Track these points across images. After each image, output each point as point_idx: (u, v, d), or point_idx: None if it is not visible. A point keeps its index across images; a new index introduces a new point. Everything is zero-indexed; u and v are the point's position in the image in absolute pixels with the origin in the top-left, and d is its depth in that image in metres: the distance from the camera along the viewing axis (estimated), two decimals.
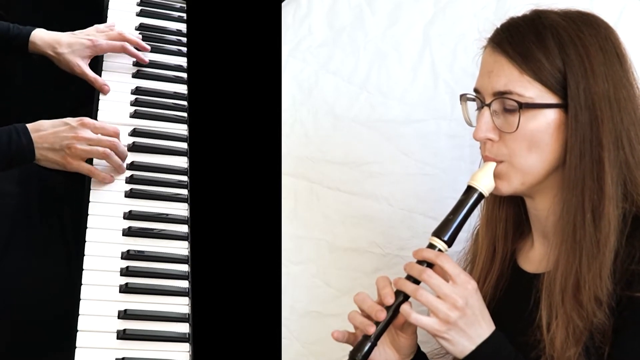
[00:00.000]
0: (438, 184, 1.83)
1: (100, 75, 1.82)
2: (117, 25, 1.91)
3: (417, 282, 1.32)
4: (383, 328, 1.33)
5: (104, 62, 1.86)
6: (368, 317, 1.35)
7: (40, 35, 1.82)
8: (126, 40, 1.87)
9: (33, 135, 1.59)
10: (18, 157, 1.58)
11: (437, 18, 1.87)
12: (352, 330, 1.39)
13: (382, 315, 1.33)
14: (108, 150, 1.62)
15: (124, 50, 1.86)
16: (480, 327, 1.30)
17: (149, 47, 1.90)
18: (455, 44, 1.84)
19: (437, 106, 1.85)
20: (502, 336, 1.32)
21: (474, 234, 1.56)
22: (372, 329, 1.33)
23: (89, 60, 1.85)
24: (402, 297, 1.33)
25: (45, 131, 1.60)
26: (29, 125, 1.60)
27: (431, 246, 1.35)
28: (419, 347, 1.44)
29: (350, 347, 1.38)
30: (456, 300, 1.28)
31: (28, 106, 1.63)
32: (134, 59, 1.87)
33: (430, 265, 1.33)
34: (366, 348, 1.33)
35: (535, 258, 1.45)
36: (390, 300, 1.33)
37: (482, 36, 1.40)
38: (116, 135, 1.65)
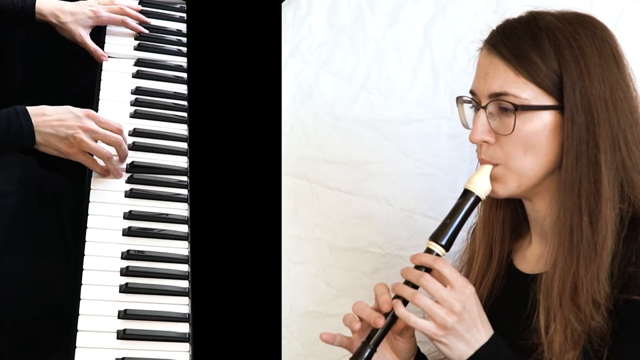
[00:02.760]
0: (438, 184, 1.83)
1: (100, 76, 1.82)
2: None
3: (415, 287, 1.32)
4: (382, 334, 1.33)
5: (103, 62, 1.86)
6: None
7: (45, 4, 1.86)
8: (127, 15, 1.93)
9: (34, 118, 1.58)
10: (18, 139, 1.58)
11: (437, 18, 1.87)
12: (348, 330, 1.39)
13: (381, 322, 1.33)
14: (110, 153, 1.61)
15: (124, 24, 1.92)
16: (478, 332, 1.30)
17: (149, 20, 1.95)
18: (455, 44, 1.84)
19: (437, 106, 1.85)
20: (501, 340, 1.31)
21: (469, 234, 1.56)
22: (381, 321, 1.32)
23: (90, 31, 1.89)
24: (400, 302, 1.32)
25: (48, 116, 1.59)
26: (30, 108, 1.60)
27: (429, 251, 1.35)
28: (418, 349, 1.44)
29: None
30: (453, 305, 1.28)
31: (27, 105, 1.63)
32: (134, 60, 1.88)
33: (428, 270, 1.32)
34: (366, 354, 1.32)
35: (532, 257, 1.45)
36: (388, 307, 1.33)
37: (480, 38, 1.40)
38: (119, 132, 1.65)
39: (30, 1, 1.86)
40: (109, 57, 1.88)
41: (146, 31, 1.94)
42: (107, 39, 1.92)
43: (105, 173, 1.63)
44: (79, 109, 1.63)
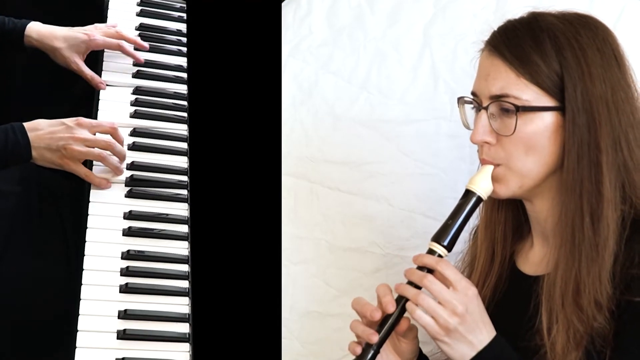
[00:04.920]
0: (438, 184, 1.83)
1: (100, 75, 1.82)
2: (117, 26, 1.92)
3: (418, 287, 1.32)
4: (385, 335, 1.33)
5: (104, 62, 1.86)
6: (369, 325, 1.35)
7: (37, 29, 1.82)
8: (124, 39, 1.88)
9: (30, 134, 1.59)
10: (14, 156, 1.59)
11: (437, 18, 1.87)
12: (349, 333, 1.39)
13: (375, 338, 1.32)
14: (104, 153, 1.62)
15: (120, 49, 1.87)
16: (480, 334, 1.29)
17: (147, 46, 1.91)
18: (455, 44, 1.84)
19: (437, 106, 1.84)
20: (504, 341, 1.31)
21: (471, 235, 1.56)
22: (375, 338, 1.32)
23: (85, 57, 1.85)
24: (403, 302, 1.32)
25: (42, 131, 1.60)
26: (26, 124, 1.60)
27: (431, 252, 1.34)
28: (420, 350, 1.44)
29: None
30: (456, 307, 1.27)
31: (27, 106, 1.63)
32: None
33: (430, 271, 1.32)
34: (369, 356, 1.33)
35: (534, 259, 1.45)
36: (391, 308, 1.33)
37: (480, 38, 1.39)
38: (113, 130, 1.65)
39: (20, 25, 1.82)
40: (108, 56, 1.87)
41: (142, 60, 1.88)
42: None
43: (103, 185, 1.63)
44: (70, 119, 1.63)
